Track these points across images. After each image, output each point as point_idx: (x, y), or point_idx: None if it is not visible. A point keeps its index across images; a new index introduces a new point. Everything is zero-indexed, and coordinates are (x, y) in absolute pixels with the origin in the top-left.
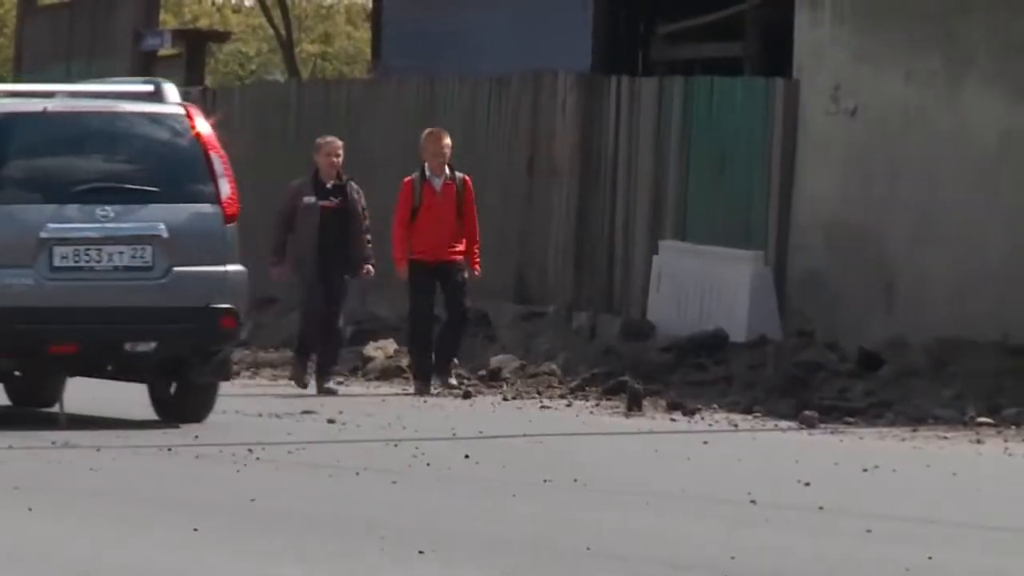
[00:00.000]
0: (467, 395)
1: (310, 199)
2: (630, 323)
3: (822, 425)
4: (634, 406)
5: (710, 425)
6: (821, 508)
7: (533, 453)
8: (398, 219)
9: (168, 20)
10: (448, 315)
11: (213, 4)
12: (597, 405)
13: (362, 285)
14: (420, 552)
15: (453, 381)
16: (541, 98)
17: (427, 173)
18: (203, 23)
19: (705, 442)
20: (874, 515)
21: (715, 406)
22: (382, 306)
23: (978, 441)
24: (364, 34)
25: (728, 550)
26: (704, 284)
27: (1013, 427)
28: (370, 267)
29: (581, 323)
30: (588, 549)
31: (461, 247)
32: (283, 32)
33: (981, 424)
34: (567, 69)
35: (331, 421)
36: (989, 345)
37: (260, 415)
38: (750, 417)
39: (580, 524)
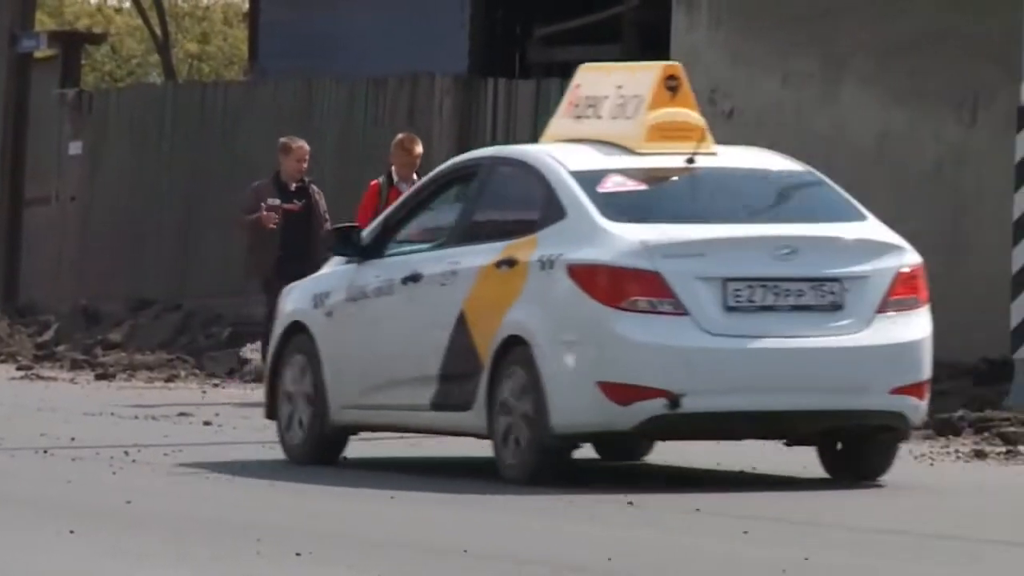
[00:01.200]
0: None
1: (274, 201)
2: None
3: None
4: None
5: None
6: (698, 510)
7: (409, 454)
8: (360, 223)
9: (47, 21)
10: None
11: (92, 3)
12: None
13: (240, 287)
14: (297, 554)
15: None
16: (418, 100)
17: (395, 178)
18: (84, 23)
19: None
20: (752, 516)
21: None
22: (258, 308)
23: None
24: (241, 34)
25: (605, 550)
26: None
27: None
28: None
29: None
30: (465, 551)
31: None
32: (159, 33)
33: None
34: (444, 71)
35: (207, 423)
36: None
37: (136, 417)
38: None
39: (457, 525)
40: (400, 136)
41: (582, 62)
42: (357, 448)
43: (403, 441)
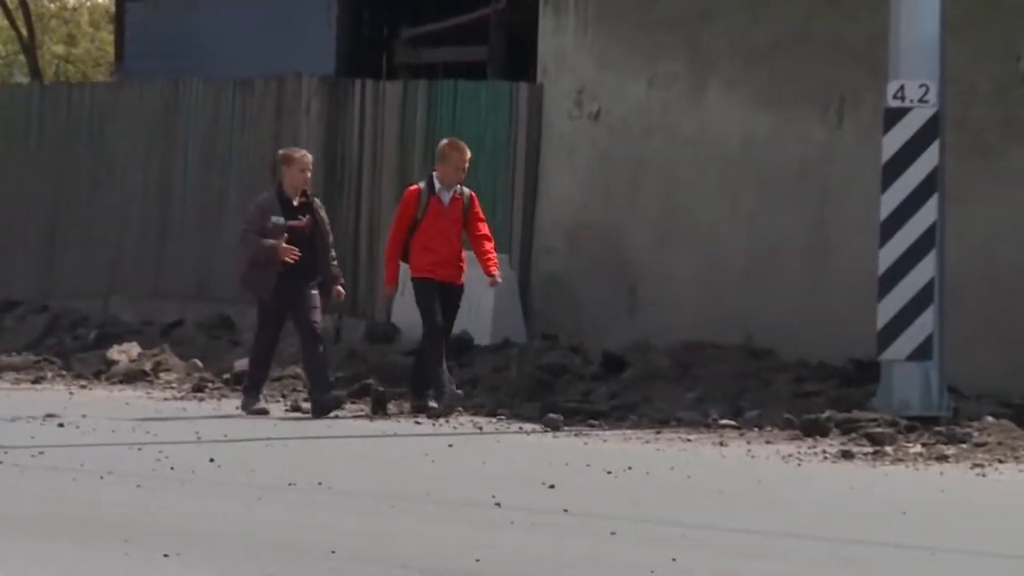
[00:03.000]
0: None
1: (278, 219)
2: (374, 326)
3: (567, 428)
4: (378, 409)
5: (455, 428)
6: (566, 510)
7: (278, 456)
8: (397, 229)
9: None
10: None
11: None
12: (342, 408)
13: (107, 288)
14: (164, 556)
15: (433, 404)
16: (285, 101)
17: (436, 185)
18: None
19: (450, 445)
20: (619, 517)
21: (459, 409)
22: (125, 310)
23: (721, 443)
24: (108, 36)
25: (473, 552)
26: None
27: (755, 429)
28: (340, 288)
29: (326, 326)
30: (333, 552)
31: (463, 267)
32: (25, 34)
33: (724, 426)
34: (311, 72)
35: (63, 425)
36: (731, 348)
37: (2, 419)
38: (495, 420)
39: (325, 527)
40: (450, 141)
41: (449, 63)
42: (224, 450)
43: (268, 443)
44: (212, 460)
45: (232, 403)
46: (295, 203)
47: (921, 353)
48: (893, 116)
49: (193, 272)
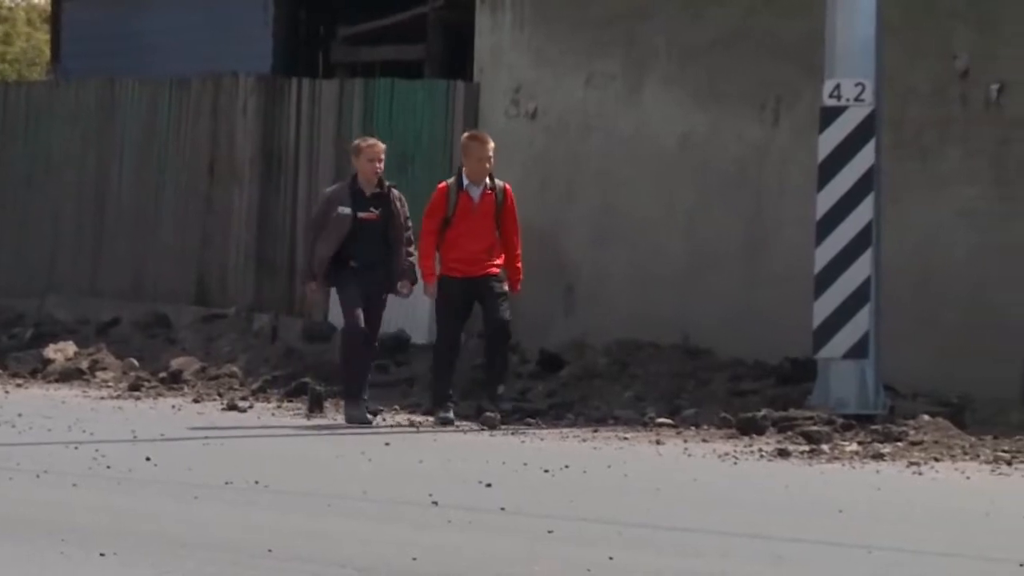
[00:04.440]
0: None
1: (345, 210)
2: (311, 325)
3: (504, 426)
4: (315, 408)
5: (392, 426)
6: (503, 509)
7: (214, 455)
8: (427, 229)
9: None
10: (488, 331)
11: None
12: (279, 407)
13: (43, 287)
14: (101, 555)
15: (506, 406)
16: (221, 100)
17: (465, 181)
18: None
19: (387, 443)
20: (556, 515)
21: (396, 407)
22: (61, 308)
23: (658, 442)
24: (44, 35)
25: (410, 551)
26: None
27: (692, 428)
28: (408, 283)
29: (262, 325)
30: (270, 551)
31: (499, 261)
32: None
33: (661, 425)
34: (248, 71)
35: None
36: (668, 347)
37: None
38: (432, 418)
39: (262, 526)
40: (471, 133)
41: (387, 62)
42: (160, 449)
43: (205, 442)
44: (148, 459)
45: (169, 402)
46: (368, 195)
47: (857, 351)
48: (829, 115)
49: (129, 271)
